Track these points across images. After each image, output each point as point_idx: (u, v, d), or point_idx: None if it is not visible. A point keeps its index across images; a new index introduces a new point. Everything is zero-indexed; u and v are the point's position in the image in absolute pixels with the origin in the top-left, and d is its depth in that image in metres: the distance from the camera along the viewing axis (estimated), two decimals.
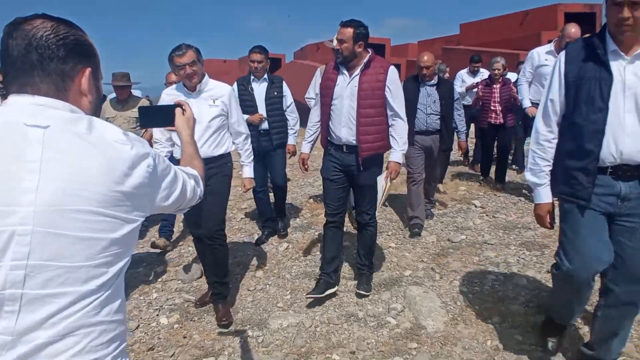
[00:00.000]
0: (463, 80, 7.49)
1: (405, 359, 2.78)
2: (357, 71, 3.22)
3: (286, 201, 5.09)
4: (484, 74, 7.02)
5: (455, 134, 5.09)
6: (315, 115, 3.57)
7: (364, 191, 3.40)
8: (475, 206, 5.41)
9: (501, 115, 6.04)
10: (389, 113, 3.29)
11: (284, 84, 4.67)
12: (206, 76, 3.27)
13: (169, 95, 3.28)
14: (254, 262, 4.25)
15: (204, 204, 3.18)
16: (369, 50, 3.26)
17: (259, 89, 4.53)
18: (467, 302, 3.33)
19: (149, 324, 3.31)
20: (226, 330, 3.18)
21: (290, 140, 4.69)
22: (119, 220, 0.99)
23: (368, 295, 3.48)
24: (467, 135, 5.50)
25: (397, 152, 3.33)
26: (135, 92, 5.65)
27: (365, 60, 3.20)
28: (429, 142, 4.66)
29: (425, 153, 4.69)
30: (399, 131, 3.31)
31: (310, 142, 3.67)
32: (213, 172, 3.24)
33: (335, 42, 4.29)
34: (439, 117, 4.60)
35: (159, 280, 3.98)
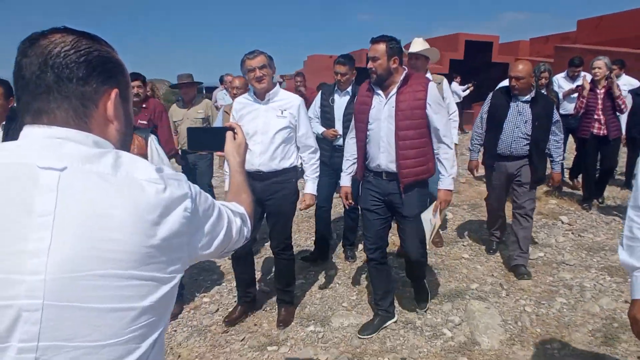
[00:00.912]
0: (560, 86, 6.65)
1: None
2: (394, 90, 2.98)
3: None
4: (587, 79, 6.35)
5: (548, 162, 4.26)
6: (351, 145, 3.30)
7: (407, 224, 3.11)
8: (562, 222, 5.18)
9: (605, 126, 5.36)
10: (433, 133, 3.02)
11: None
12: (277, 86, 3.31)
13: (240, 104, 3.33)
14: (330, 260, 4.52)
15: (271, 222, 3.42)
16: (405, 67, 3.06)
17: (340, 102, 4.27)
18: (528, 323, 3.30)
19: (227, 309, 3.72)
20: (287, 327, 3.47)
21: None
22: (151, 282, 0.81)
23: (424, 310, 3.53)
24: (562, 165, 4.87)
25: (446, 178, 3.04)
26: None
27: (402, 77, 2.97)
28: (513, 170, 4.02)
29: (509, 180, 4.10)
30: (446, 154, 3.03)
31: (350, 173, 3.36)
32: (277, 189, 3.28)
33: (420, 47, 4.24)
34: (528, 141, 3.91)
35: None
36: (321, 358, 3.07)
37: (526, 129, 3.91)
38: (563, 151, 4.95)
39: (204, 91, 10.55)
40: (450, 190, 3.08)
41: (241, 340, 3.33)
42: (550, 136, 4.02)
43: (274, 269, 3.80)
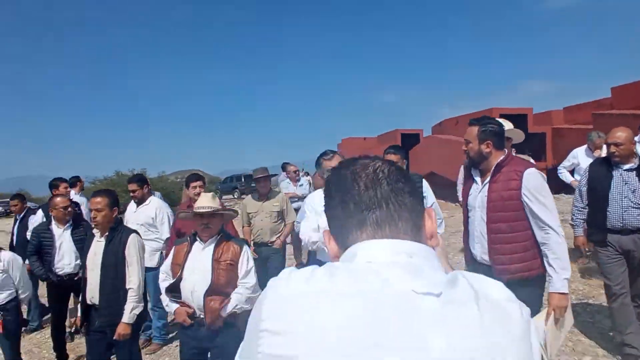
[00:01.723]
0: (578, 162, 5.94)
1: None
2: (488, 177, 2.79)
3: None
4: None
5: None
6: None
7: None
8: None
9: None
10: (535, 226, 2.65)
11: (425, 183, 4.21)
12: None
13: (320, 196, 3.50)
14: None
15: None
16: (505, 150, 2.85)
17: None
18: None
19: None
20: None
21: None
22: None
23: None
24: None
25: (556, 279, 2.59)
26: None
27: (496, 163, 2.75)
28: (629, 244, 3.63)
29: (626, 258, 3.67)
30: (555, 249, 2.60)
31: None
32: None
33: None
34: None
35: None
36: None
37: (636, 198, 3.60)
38: None
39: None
40: (564, 294, 2.57)
41: None
42: None
43: None
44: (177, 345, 5.05)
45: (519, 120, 14.52)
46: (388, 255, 0.78)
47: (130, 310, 3.28)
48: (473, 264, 2.94)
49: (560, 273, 2.57)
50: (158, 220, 4.98)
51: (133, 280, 3.33)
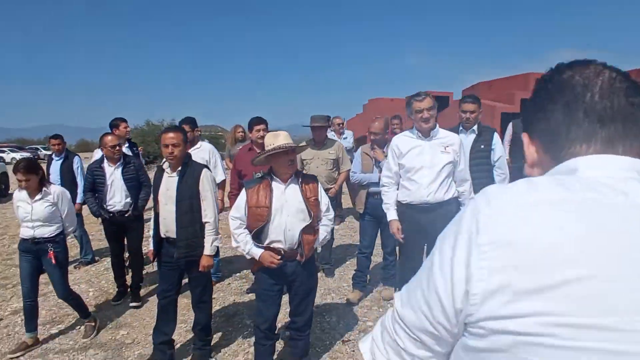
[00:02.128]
0: None
1: None
2: None
3: None
4: None
5: None
6: None
7: None
8: None
9: None
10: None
11: (495, 136, 4.35)
12: (437, 125, 3.57)
13: (404, 140, 3.62)
14: None
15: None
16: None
17: (466, 141, 4.27)
18: None
19: None
20: None
21: None
22: None
23: None
24: None
25: None
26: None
27: None
28: None
29: None
30: None
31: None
32: (442, 220, 3.41)
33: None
34: None
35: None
36: None
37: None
38: None
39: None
40: None
41: None
42: None
43: None
44: (229, 283, 5.26)
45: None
46: (621, 171, 0.72)
47: (210, 243, 3.41)
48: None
49: None
50: (212, 163, 5.07)
51: (209, 214, 3.42)
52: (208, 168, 3.58)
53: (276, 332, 3.28)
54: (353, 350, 3.71)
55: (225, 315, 4.45)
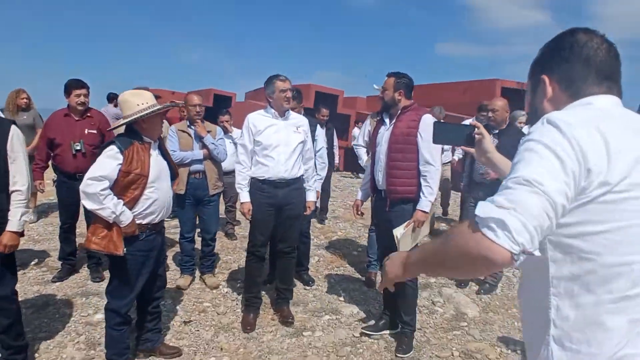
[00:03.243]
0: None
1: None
2: (394, 119, 3.41)
3: None
4: None
5: None
6: (368, 167, 3.84)
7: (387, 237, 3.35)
8: None
9: None
10: (421, 160, 3.30)
11: (317, 129, 4.83)
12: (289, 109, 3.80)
13: (259, 118, 3.66)
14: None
15: (288, 224, 3.78)
16: (412, 100, 3.42)
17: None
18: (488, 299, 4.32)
19: (234, 310, 3.92)
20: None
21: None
22: None
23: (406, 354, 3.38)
24: None
25: (424, 200, 3.30)
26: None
27: (402, 107, 3.37)
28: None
29: None
30: (429, 179, 3.29)
31: (365, 189, 3.80)
32: (296, 195, 3.74)
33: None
34: None
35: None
36: (356, 334, 3.59)
37: None
38: None
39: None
40: (425, 212, 3.31)
41: (271, 332, 3.61)
42: None
43: (277, 271, 4.07)
44: (24, 273, 4.42)
45: (331, 99, 16.03)
46: (616, 105, 1.14)
47: (19, 217, 2.73)
48: (375, 192, 3.63)
49: (428, 197, 3.30)
50: None
51: (19, 180, 2.75)
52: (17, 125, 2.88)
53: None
54: (198, 330, 3.60)
55: (34, 307, 3.76)
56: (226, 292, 4.31)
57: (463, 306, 4.12)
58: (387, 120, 3.49)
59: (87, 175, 2.64)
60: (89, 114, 4.39)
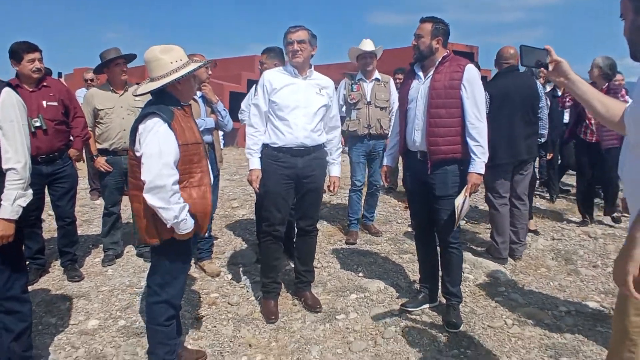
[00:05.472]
0: None
1: None
2: (432, 71, 2.99)
3: None
4: None
5: None
6: (395, 126, 3.36)
7: (438, 205, 3.02)
8: None
9: None
10: (467, 115, 2.93)
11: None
12: (312, 67, 3.27)
13: (277, 76, 3.17)
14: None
15: (309, 199, 3.30)
16: (448, 49, 3.05)
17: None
18: None
19: (248, 299, 3.45)
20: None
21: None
22: None
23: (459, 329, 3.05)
24: None
25: (478, 162, 2.93)
26: None
27: (442, 57, 2.98)
28: None
29: None
30: (478, 137, 2.93)
31: (391, 153, 3.41)
32: (317, 164, 3.25)
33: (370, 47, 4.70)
34: None
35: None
36: (394, 312, 3.23)
37: None
38: None
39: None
40: (481, 174, 2.96)
41: (299, 320, 3.18)
42: None
43: (296, 252, 3.53)
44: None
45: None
46: None
47: (12, 201, 2.16)
48: (408, 156, 3.20)
49: (482, 157, 2.94)
50: None
51: (12, 156, 2.19)
52: (12, 87, 2.30)
53: None
54: (214, 326, 3.10)
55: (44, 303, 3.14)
56: (231, 280, 3.80)
57: (492, 271, 3.88)
58: (420, 74, 3.06)
59: (153, 162, 2.15)
60: (45, 83, 3.63)
